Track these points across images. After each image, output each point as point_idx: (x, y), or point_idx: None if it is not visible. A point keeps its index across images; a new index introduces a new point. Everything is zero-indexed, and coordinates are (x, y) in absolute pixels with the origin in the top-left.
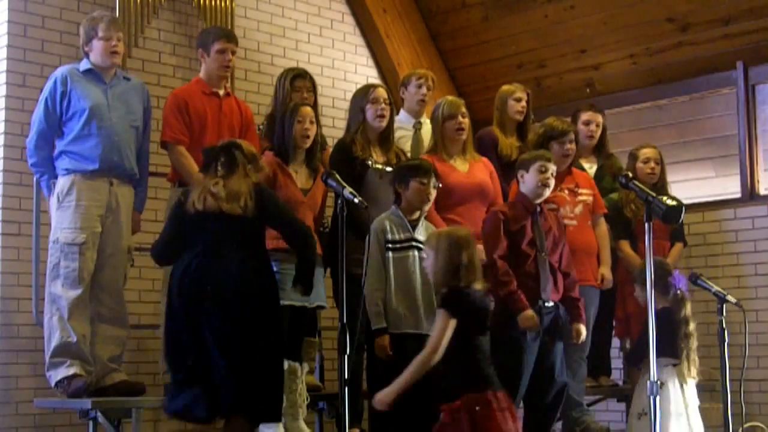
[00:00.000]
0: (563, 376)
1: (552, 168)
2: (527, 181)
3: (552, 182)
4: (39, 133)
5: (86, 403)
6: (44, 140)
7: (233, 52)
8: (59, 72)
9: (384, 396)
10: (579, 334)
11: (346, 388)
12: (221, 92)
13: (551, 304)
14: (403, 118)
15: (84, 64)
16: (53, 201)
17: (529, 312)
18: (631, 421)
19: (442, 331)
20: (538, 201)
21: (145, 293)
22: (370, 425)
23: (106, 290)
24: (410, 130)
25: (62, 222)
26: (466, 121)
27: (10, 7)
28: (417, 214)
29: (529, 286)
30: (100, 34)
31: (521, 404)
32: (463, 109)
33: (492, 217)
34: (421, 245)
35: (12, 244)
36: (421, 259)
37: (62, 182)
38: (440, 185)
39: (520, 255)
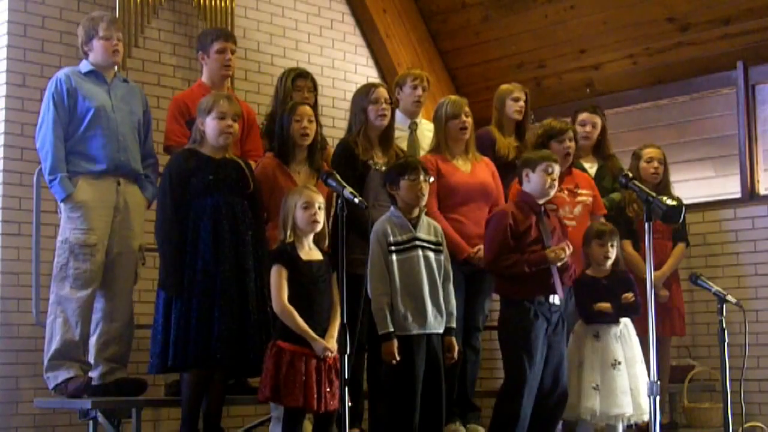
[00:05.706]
0: (564, 381)
1: (557, 169)
2: (533, 181)
3: (556, 184)
4: (54, 133)
5: (86, 403)
6: (60, 140)
7: (233, 51)
8: (61, 73)
9: None
10: None
11: (346, 388)
12: None
13: (558, 302)
14: (398, 119)
15: (84, 66)
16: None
17: (549, 252)
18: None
19: None
20: (543, 201)
21: (145, 293)
22: (370, 425)
23: (114, 289)
24: (405, 131)
25: (72, 223)
26: (469, 121)
27: (10, 7)
28: (416, 212)
29: (538, 285)
30: (101, 33)
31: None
32: (467, 109)
33: (500, 216)
34: (425, 244)
35: (12, 244)
36: (425, 257)
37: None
38: (431, 179)
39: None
